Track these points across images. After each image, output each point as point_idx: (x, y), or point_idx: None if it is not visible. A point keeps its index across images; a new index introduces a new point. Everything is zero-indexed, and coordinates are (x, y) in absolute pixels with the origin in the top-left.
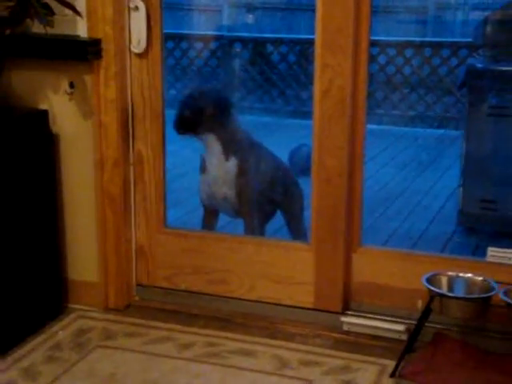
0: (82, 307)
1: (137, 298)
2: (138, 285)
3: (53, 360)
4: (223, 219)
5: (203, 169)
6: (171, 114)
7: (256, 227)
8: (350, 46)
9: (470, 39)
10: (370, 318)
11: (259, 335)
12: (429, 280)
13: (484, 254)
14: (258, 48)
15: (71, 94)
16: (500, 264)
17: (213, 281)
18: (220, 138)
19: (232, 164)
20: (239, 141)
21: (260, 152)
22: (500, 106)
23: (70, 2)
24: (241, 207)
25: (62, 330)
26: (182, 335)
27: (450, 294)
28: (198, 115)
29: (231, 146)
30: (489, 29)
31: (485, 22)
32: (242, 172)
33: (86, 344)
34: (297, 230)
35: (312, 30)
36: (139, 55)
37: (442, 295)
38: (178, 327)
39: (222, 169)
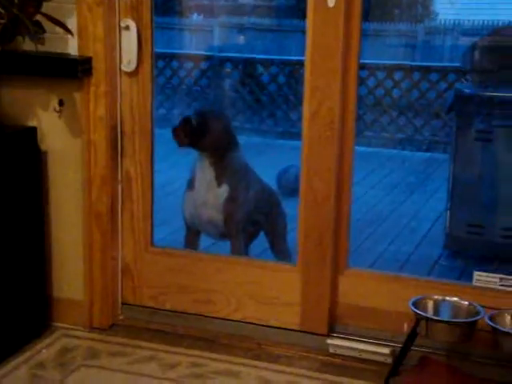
0: (66, 325)
1: (122, 317)
2: (124, 303)
3: (36, 379)
4: (209, 239)
5: (191, 186)
6: (160, 132)
7: (241, 248)
8: (340, 69)
9: (458, 64)
10: (355, 340)
11: (244, 356)
12: (415, 303)
13: (470, 277)
14: (248, 68)
15: (60, 111)
16: (486, 288)
17: (198, 300)
18: (215, 166)
19: (223, 190)
20: (235, 169)
21: (249, 176)
22: (487, 131)
23: (61, 20)
24: (227, 230)
25: (45, 349)
26: (167, 355)
27: (436, 318)
28: (205, 130)
29: (226, 174)
30: (477, 54)
31: (473, 47)
32: (231, 198)
33: (69, 363)
34: (280, 252)
35: (302, 52)
36: (129, 74)
37: (427, 319)
38: (163, 347)
39: (211, 194)
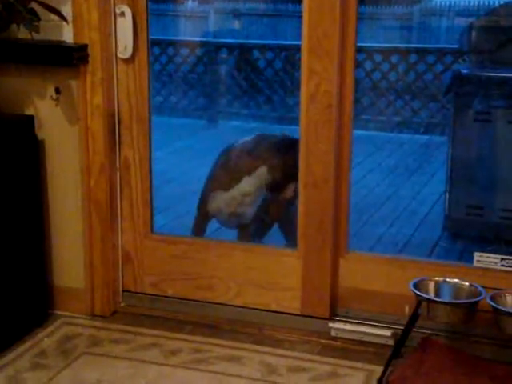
0: (67, 314)
1: (123, 305)
2: (125, 291)
3: (38, 367)
4: (213, 224)
5: (224, 185)
6: (158, 119)
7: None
8: (337, 52)
9: (455, 45)
10: (357, 323)
11: (246, 341)
12: (416, 285)
13: (470, 259)
14: (244, 54)
15: (57, 99)
16: (486, 269)
17: (200, 287)
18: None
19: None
20: None
21: None
22: (485, 112)
23: (56, 7)
24: (257, 222)
25: (47, 337)
26: (169, 341)
27: (437, 299)
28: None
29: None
30: (474, 35)
31: (470, 28)
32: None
33: (71, 351)
34: (291, 235)
35: (298, 37)
36: (125, 61)
37: (429, 300)
38: (165, 333)
39: (259, 194)
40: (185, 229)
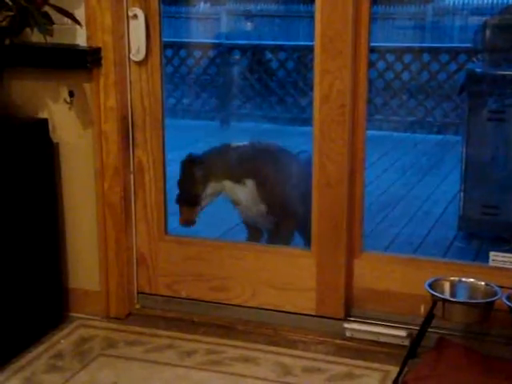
0: (83, 316)
1: (138, 306)
2: (140, 293)
3: (55, 369)
4: (227, 225)
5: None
6: (171, 122)
7: (289, 237)
8: (350, 52)
9: (468, 44)
10: (372, 323)
11: (261, 342)
12: (431, 285)
13: (486, 259)
14: (256, 55)
15: (71, 102)
16: (502, 268)
17: (214, 288)
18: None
19: (249, 186)
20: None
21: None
22: (500, 111)
23: (70, 10)
24: (278, 220)
25: (63, 339)
26: (184, 343)
27: (453, 299)
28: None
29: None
30: (488, 33)
31: (484, 26)
32: (261, 190)
33: (87, 353)
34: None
35: (310, 37)
36: (139, 63)
37: (444, 300)
38: (180, 335)
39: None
40: (198, 230)
